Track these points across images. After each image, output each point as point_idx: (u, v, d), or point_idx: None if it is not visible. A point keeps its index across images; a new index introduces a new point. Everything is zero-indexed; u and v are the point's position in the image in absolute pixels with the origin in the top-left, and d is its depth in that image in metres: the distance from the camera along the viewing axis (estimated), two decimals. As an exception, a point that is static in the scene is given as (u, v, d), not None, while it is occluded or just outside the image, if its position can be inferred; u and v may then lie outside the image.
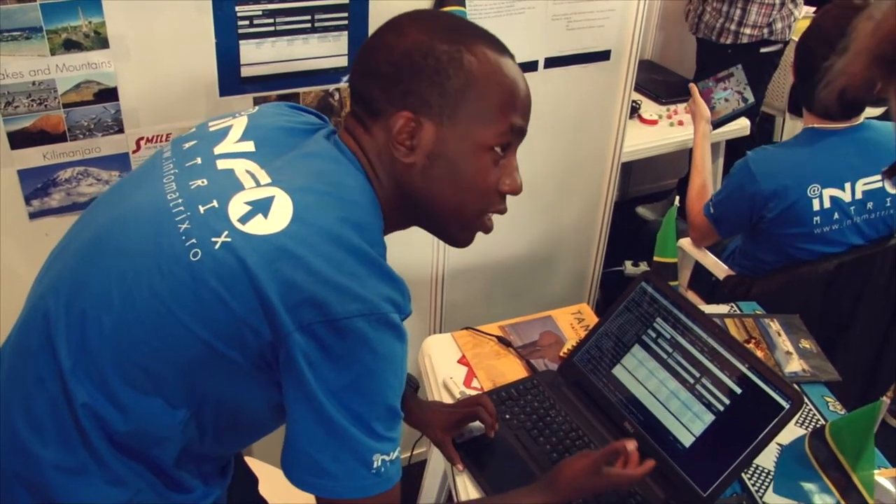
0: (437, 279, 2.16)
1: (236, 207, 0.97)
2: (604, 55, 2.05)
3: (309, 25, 1.61)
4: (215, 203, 0.98)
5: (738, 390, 1.33)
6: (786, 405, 1.27)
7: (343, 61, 1.68)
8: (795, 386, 1.47)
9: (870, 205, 2.03)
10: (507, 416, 1.49)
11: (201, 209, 0.98)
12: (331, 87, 1.70)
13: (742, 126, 2.92)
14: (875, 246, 2.05)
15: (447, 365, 1.65)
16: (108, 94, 1.49)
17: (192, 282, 0.94)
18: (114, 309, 0.97)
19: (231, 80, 1.60)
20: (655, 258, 1.85)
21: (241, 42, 1.56)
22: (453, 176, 1.06)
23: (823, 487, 1.29)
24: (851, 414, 1.21)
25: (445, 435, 1.43)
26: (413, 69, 1.02)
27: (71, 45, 1.42)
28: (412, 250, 2.02)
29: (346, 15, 1.62)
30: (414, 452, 1.69)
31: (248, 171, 1.02)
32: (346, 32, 1.64)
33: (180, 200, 1.00)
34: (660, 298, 1.49)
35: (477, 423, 1.44)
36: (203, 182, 1.02)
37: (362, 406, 0.95)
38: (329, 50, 1.65)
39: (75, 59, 1.43)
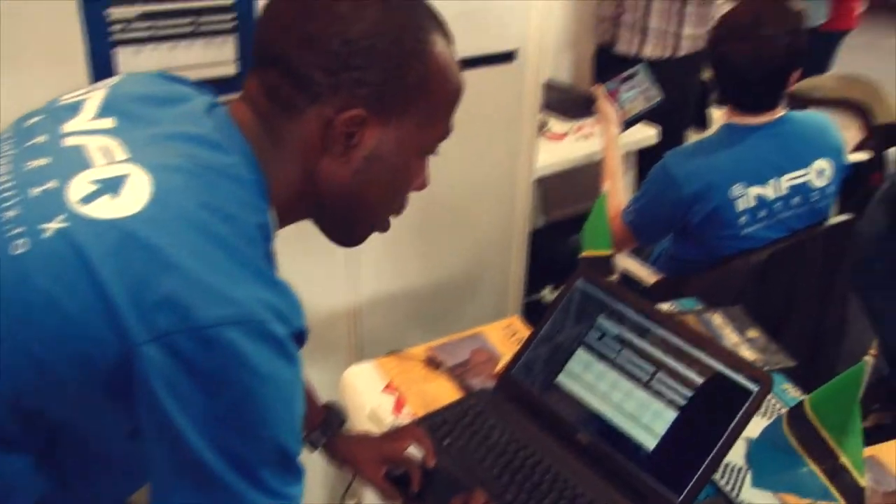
0: (352, 310, 2.00)
1: (79, 187, 0.77)
2: (508, 56, 1.97)
3: (191, 30, 1.45)
4: (52, 184, 0.78)
5: (700, 380, 1.22)
6: (754, 388, 1.16)
7: (231, 69, 1.52)
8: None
9: (796, 199, 1.98)
10: (446, 443, 1.33)
11: (34, 192, 0.78)
12: (220, 99, 1.54)
13: (648, 136, 2.89)
14: (805, 232, 2.01)
15: (373, 395, 1.49)
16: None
17: (14, 282, 0.73)
18: None
19: (106, 92, 1.42)
20: (585, 252, 1.72)
21: (118, 49, 1.40)
22: (385, 180, 0.93)
23: (808, 472, 1.17)
24: (832, 382, 1.10)
25: (376, 471, 1.27)
26: (374, 55, 0.84)
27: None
28: (318, 283, 1.86)
29: (232, 17, 1.48)
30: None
31: (101, 148, 0.82)
32: (233, 35, 1.49)
33: (11, 184, 0.80)
34: (599, 294, 1.37)
35: (412, 451, 1.28)
36: (43, 161, 0.82)
37: (244, 446, 0.74)
38: (215, 56, 1.50)
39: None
